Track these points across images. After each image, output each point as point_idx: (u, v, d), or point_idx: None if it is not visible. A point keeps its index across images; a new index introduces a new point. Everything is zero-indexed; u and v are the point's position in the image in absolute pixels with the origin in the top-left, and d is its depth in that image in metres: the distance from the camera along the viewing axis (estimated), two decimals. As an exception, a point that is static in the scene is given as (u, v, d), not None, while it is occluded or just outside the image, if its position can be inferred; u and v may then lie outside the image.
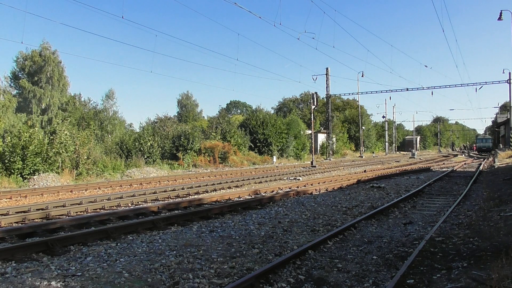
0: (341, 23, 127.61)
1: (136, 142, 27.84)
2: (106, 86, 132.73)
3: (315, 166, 30.57)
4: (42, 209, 10.70)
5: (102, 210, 10.99)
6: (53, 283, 4.71)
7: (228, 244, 6.67)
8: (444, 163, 33.81)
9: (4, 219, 9.15)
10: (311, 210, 9.98)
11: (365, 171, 25.03)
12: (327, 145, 45.78)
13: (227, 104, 78.53)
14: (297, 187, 15.80)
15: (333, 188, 15.13)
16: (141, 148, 27.39)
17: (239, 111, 76.83)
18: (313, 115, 38.54)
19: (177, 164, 28.64)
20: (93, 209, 11.08)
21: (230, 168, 30.71)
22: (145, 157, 27.14)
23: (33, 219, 9.60)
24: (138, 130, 37.47)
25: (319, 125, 57.46)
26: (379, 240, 7.04)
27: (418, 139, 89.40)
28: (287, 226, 8.12)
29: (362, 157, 50.99)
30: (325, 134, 48.39)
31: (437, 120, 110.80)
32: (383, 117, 68.96)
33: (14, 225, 9.00)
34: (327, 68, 44.90)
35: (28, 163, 18.98)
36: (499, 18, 28.00)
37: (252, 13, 48.50)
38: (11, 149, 18.85)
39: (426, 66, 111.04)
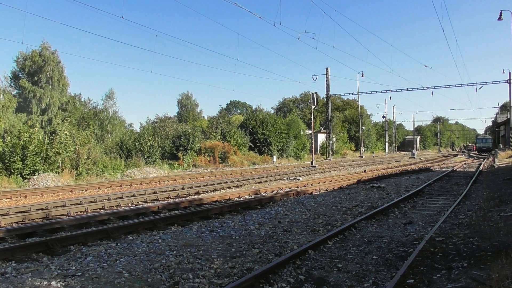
0: (341, 23, 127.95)
1: (136, 142, 27.83)
2: (106, 86, 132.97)
3: (315, 166, 30.57)
4: (42, 209, 10.70)
5: (102, 210, 10.99)
6: (53, 283, 4.71)
7: (228, 244, 6.67)
8: (444, 163, 33.80)
9: (4, 219, 9.16)
10: (311, 210, 9.98)
11: (365, 171, 25.03)
12: (327, 145, 45.79)
13: (227, 104, 78.65)
14: (297, 187, 15.80)
15: (333, 188, 15.13)
16: (141, 148, 27.38)
17: (239, 111, 76.82)
18: (313, 115, 38.54)
19: (177, 164, 28.64)
20: (93, 209, 11.08)
21: (230, 168, 30.70)
22: (145, 157, 27.13)
23: (33, 219, 9.60)
24: (138, 130, 37.53)
25: (319, 125, 57.46)
26: (379, 240, 7.04)
27: (418, 139, 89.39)
28: (287, 226, 8.12)
29: (362, 157, 50.98)
30: (325, 134, 48.40)
31: (437, 120, 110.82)
32: (383, 117, 69.05)
33: (14, 225, 9.00)
34: (327, 68, 44.95)
35: (28, 163, 18.98)
36: (499, 18, 28.00)
37: (252, 13, 48.53)
38: (11, 149, 18.83)
39: (426, 66, 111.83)
